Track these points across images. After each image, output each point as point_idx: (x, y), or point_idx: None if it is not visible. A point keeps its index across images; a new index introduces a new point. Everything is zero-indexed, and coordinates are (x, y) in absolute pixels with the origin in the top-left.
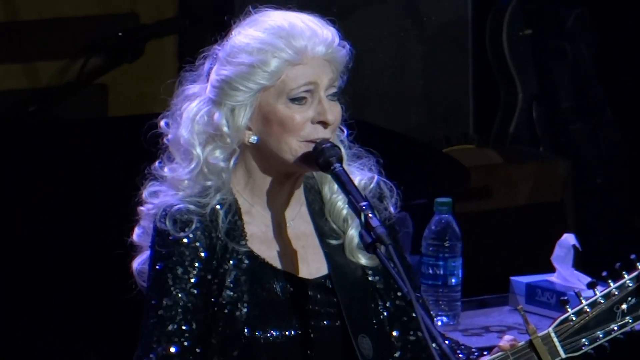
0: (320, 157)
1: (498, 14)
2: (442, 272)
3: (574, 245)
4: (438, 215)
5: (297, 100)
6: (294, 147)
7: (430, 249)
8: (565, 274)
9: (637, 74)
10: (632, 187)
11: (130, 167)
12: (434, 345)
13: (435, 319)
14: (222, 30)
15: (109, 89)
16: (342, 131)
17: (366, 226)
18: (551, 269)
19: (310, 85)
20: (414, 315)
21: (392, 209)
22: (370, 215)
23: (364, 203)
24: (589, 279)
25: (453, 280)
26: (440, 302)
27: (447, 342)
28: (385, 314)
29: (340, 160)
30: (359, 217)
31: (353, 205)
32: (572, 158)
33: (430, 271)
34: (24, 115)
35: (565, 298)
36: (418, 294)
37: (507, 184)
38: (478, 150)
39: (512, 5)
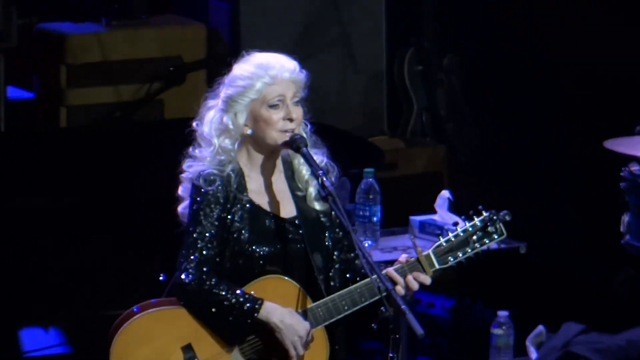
0: (294, 144)
1: (401, 57)
2: (368, 214)
3: (448, 198)
4: (365, 179)
5: (273, 106)
6: (274, 135)
7: (361, 199)
8: (442, 215)
9: (487, 94)
10: (484, 161)
11: (176, 149)
12: (364, 259)
13: (363, 241)
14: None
15: (164, 103)
16: (307, 125)
17: (322, 186)
18: (434, 212)
19: (281, 97)
20: (346, 243)
21: (333, 179)
22: (324, 179)
23: (321, 171)
24: (456, 218)
25: (375, 219)
26: (367, 232)
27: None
28: (329, 242)
29: (306, 146)
30: (317, 180)
31: (314, 172)
32: (447, 145)
33: (361, 213)
34: (112, 119)
35: (439, 232)
36: (353, 227)
37: (407, 160)
38: (389, 139)
39: (410, 52)
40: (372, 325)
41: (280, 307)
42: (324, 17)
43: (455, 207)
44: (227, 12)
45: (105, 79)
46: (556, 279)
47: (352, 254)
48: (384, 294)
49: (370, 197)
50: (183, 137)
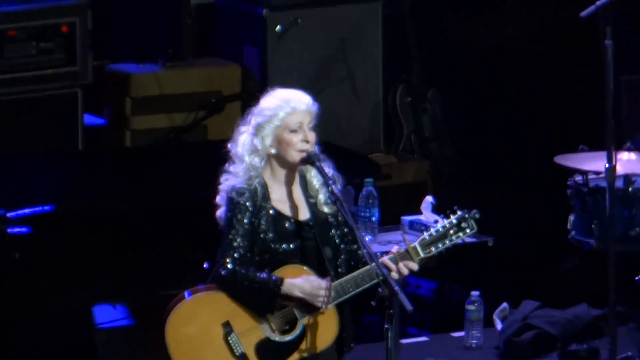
0: (310, 159)
1: (394, 91)
2: (368, 214)
3: (431, 202)
4: (366, 187)
5: (293, 131)
6: (294, 154)
7: (362, 203)
8: (427, 215)
9: (462, 120)
10: (460, 173)
11: (214, 166)
12: (365, 250)
13: (364, 236)
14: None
15: (208, 128)
16: (315, 147)
17: (331, 192)
18: (421, 213)
19: (299, 124)
20: (350, 237)
21: (339, 187)
22: (333, 187)
23: (331, 181)
24: (437, 218)
25: (374, 219)
26: (367, 229)
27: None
28: (337, 237)
29: (319, 161)
30: (328, 188)
31: (325, 181)
32: (430, 160)
33: (363, 214)
34: (166, 140)
35: (424, 228)
36: (356, 225)
37: (399, 172)
38: (385, 156)
39: (401, 87)
40: (372, 302)
41: (297, 280)
42: (333, 60)
43: (437, 209)
44: (258, 55)
45: (161, 109)
46: (517, 266)
47: (355, 246)
48: (381, 277)
49: (370, 201)
50: (222, 155)
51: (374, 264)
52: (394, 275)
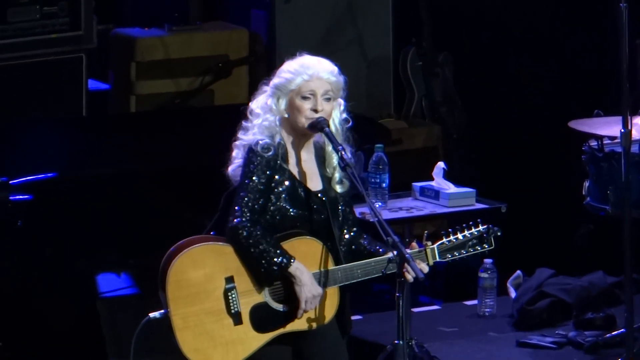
0: (318, 125)
1: (404, 55)
2: (378, 181)
3: (443, 168)
4: (376, 152)
5: (305, 98)
6: (302, 120)
7: (372, 169)
8: (438, 181)
9: (473, 83)
10: (471, 138)
11: (220, 131)
12: (375, 219)
13: (375, 203)
14: (270, 63)
15: (214, 92)
16: (348, 122)
17: (341, 158)
18: (432, 179)
19: (312, 92)
20: (351, 218)
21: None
22: (344, 153)
23: (341, 147)
24: (451, 184)
25: (384, 185)
26: (378, 196)
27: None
28: (342, 217)
29: (328, 126)
30: (337, 153)
31: (335, 147)
32: (441, 125)
33: (373, 180)
34: (172, 105)
35: (443, 233)
36: (366, 192)
37: (409, 137)
38: (395, 121)
39: (411, 50)
40: (382, 270)
41: (305, 269)
42: (342, 23)
43: (448, 175)
44: (265, 19)
45: (167, 73)
46: (531, 233)
47: (355, 229)
48: (391, 242)
49: (380, 167)
50: (229, 119)
51: (390, 239)
52: (407, 275)
